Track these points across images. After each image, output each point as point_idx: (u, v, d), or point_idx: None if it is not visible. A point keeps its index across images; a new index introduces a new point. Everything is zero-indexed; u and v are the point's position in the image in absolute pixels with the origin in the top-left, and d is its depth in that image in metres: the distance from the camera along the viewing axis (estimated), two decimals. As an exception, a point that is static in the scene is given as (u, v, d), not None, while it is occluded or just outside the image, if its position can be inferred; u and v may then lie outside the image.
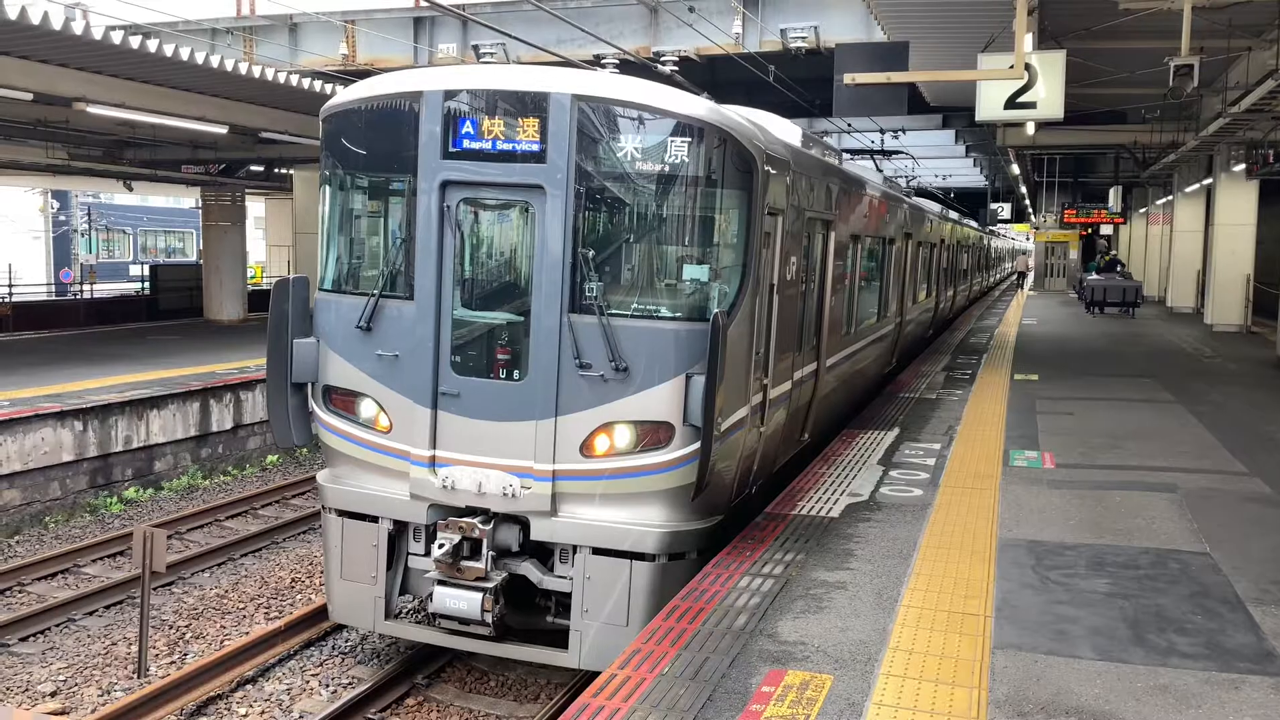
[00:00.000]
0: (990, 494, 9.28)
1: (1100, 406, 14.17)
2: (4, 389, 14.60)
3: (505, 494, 7.42)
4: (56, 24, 11.95)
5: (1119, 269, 35.82)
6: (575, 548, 7.41)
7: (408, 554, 7.98)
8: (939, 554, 7.55)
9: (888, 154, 23.47)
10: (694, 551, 7.49)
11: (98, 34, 12.61)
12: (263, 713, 8.19)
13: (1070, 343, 23.35)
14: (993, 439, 11.73)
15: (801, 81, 21.38)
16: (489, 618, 7.38)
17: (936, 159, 43.35)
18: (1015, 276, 61.20)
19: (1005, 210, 56.11)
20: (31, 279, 41.48)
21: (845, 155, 16.36)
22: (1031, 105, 13.56)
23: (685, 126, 7.17)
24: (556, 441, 7.30)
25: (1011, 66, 12.44)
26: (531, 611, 7.82)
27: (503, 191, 7.48)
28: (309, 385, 8.09)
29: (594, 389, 7.21)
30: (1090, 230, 49.03)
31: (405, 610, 9.33)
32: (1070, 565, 7.37)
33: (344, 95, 7.98)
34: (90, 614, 10.26)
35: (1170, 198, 35.50)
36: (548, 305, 7.25)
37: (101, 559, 11.88)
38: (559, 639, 7.58)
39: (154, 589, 10.25)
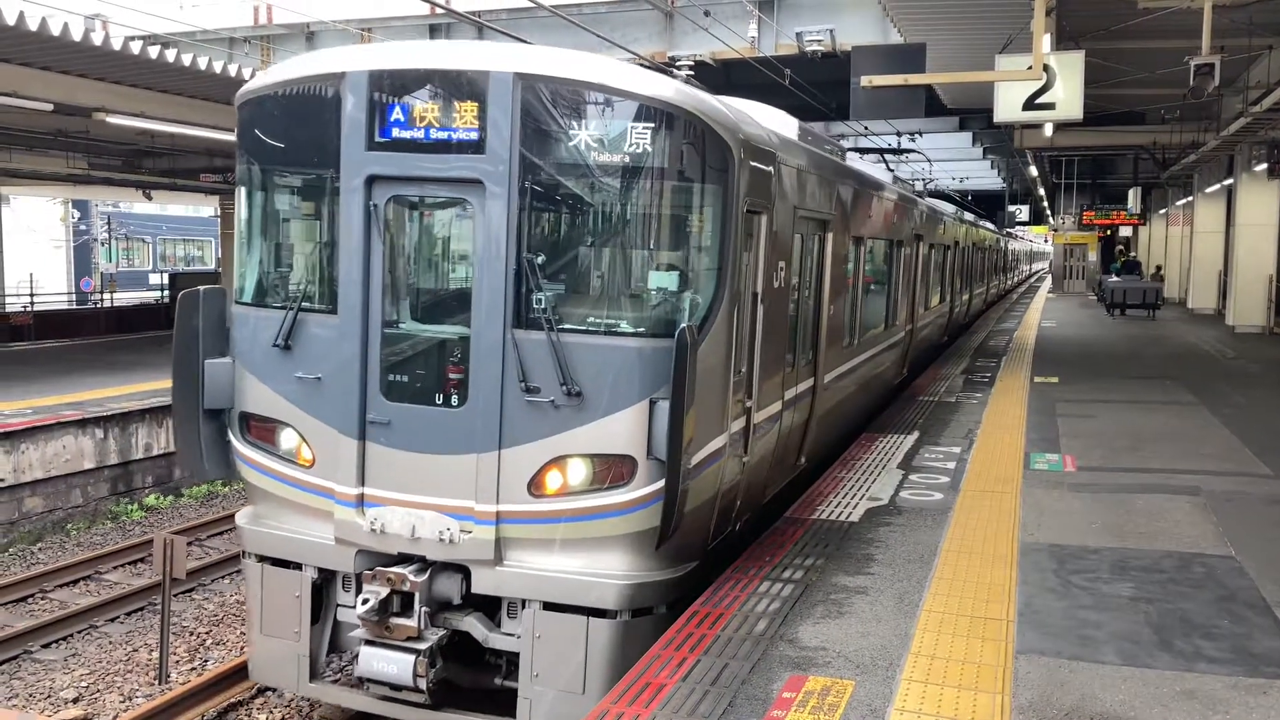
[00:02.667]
0: (1011, 498, 9.21)
1: (1121, 409, 14.06)
2: (26, 397, 14.71)
3: (442, 539, 6.45)
4: (76, 35, 12.04)
5: (1139, 271, 35.62)
6: (524, 601, 6.46)
7: (336, 606, 7.03)
8: (960, 558, 7.50)
9: (899, 153, 22.93)
10: (662, 605, 6.58)
11: (117, 44, 12.71)
12: (283, 719, 8.20)
13: (1090, 345, 23.20)
14: (1013, 442, 11.65)
15: (818, 85, 21.36)
16: (423, 683, 6.41)
17: (954, 161, 43.24)
18: (1047, 277, 61.35)
19: (1023, 212, 55.88)
20: (52, 288, 41.83)
21: (856, 155, 16.21)
22: (1050, 106, 13.50)
23: (648, 109, 6.23)
24: (500, 478, 6.35)
25: (1030, 67, 12.38)
26: (483, 669, 6.88)
27: (437, 187, 6.56)
28: (227, 412, 7.14)
29: (543, 417, 6.26)
30: (1109, 232, 48.82)
31: (335, 668, 8.09)
32: (1093, 569, 7.31)
33: (261, 78, 7.06)
34: (112, 620, 10.31)
35: (1190, 198, 35.26)
36: (489, 319, 6.33)
37: (123, 566, 11.93)
38: (511, 703, 6.61)
39: (175, 595, 10.30)
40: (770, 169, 7.49)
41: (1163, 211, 44.83)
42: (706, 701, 5.20)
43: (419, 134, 6.41)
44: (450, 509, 6.46)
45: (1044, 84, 13.12)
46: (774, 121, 8.97)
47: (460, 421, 6.43)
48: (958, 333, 25.33)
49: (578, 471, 6.31)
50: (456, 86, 6.35)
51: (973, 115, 28.49)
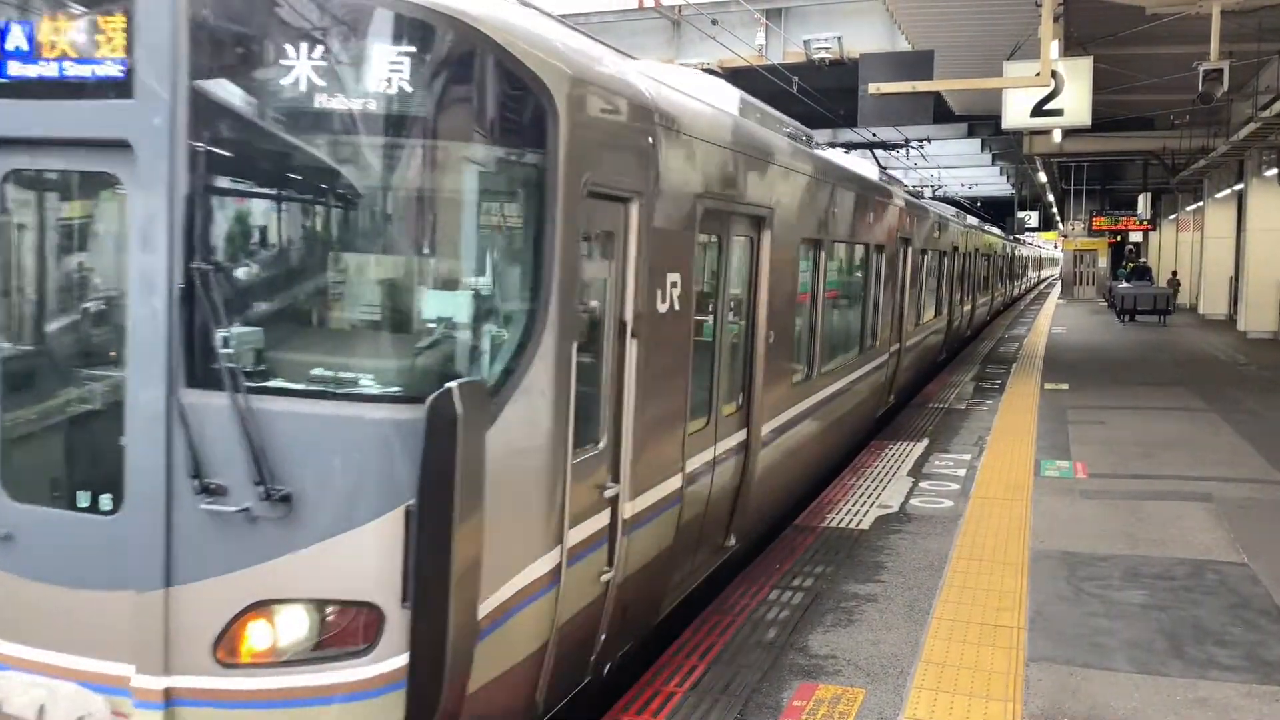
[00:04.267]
0: (1022, 504, 9.18)
1: (1132, 415, 14.01)
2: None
3: None
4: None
5: (1149, 276, 35.58)
6: None
7: None
8: (971, 565, 7.47)
9: (889, 147, 21.02)
10: None
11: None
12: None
13: (1101, 351, 23.14)
14: (1023, 449, 11.62)
15: (826, 92, 21.38)
16: None
17: (962, 168, 43.23)
18: (1057, 283, 61.36)
19: (1033, 218, 55.89)
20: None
21: (841, 150, 15.79)
22: (1058, 112, 13.52)
23: (408, 24, 3.86)
24: (170, 633, 3.92)
25: (1038, 74, 12.38)
26: None
27: (73, 156, 4.14)
28: None
29: (235, 535, 3.86)
30: (1119, 238, 48.77)
31: None
32: (1105, 576, 7.28)
33: None
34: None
35: (1200, 204, 35.20)
36: (145, 373, 3.93)
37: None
38: None
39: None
40: (645, 134, 5.24)
41: (1173, 217, 44.76)
42: (716, 710, 5.18)
43: (50, 70, 4.01)
44: (96, 678, 3.99)
45: (1052, 90, 13.14)
46: (704, 89, 7.01)
47: (112, 537, 4.00)
48: (959, 347, 23.65)
49: (294, 626, 3.90)
50: None
51: (981, 121, 28.46)
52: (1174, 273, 40.62)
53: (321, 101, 3.85)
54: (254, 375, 3.90)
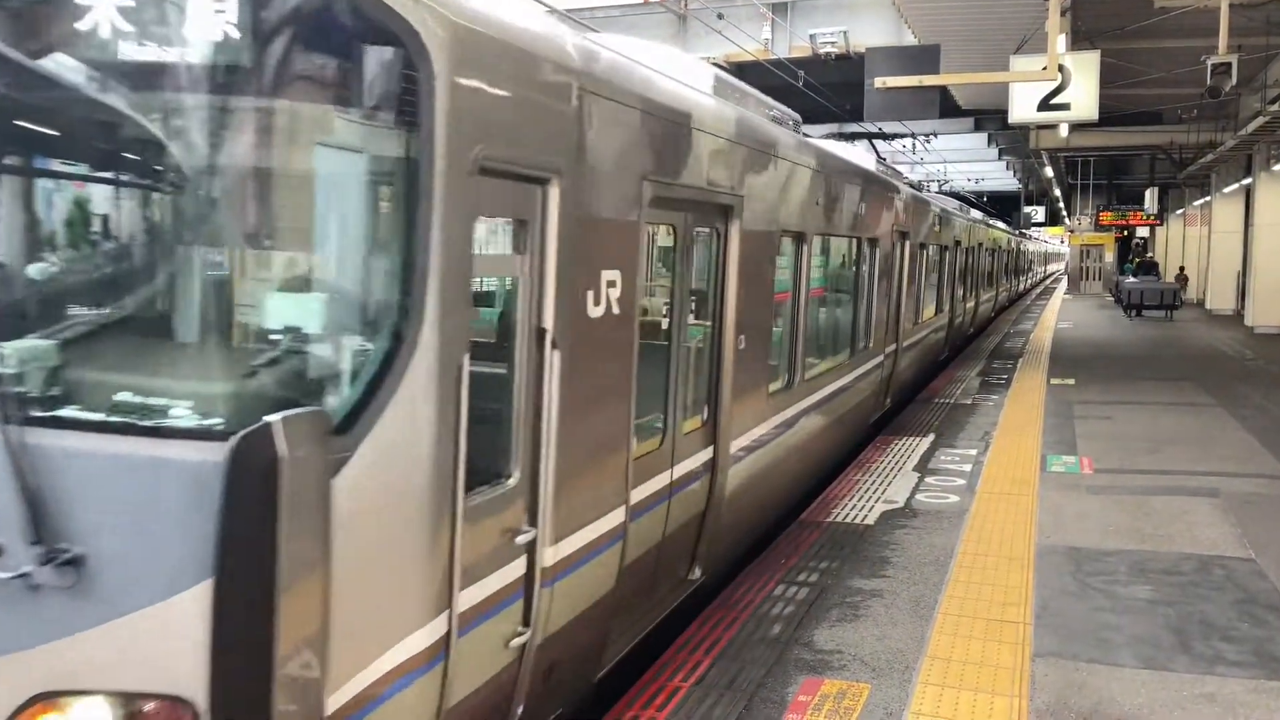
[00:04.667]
0: (1028, 500, 9.16)
1: (1139, 410, 13.98)
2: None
3: None
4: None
5: (1156, 271, 35.52)
6: None
7: None
8: (977, 561, 7.46)
9: (888, 137, 20.84)
10: None
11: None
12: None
13: (1107, 346, 23.09)
14: (1030, 444, 11.60)
15: (832, 86, 21.37)
16: None
17: (969, 162, 43.17)
18: (1064, 278, 61.30)
19: (1039, 213, 55.82)
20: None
21: (849, 141, 15.63)
22: (1065, 107, 13.49)
23: None
24: None
25: (1044, 68, 12.36)
26: None
27: None
28: None
29: (13, 607, 3.06)
30: (1126, 233, 48.67)
31: None
32: (1111, 571, 7.26)
33: None
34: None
35: (1208, 198, 35.10)
36: None
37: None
38: None
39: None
40: (567, 103, 4.29)
41: (1180, 212, 44.64)
42: (721, 705, 5.18)
43: None
44: None
45: (1059, 84, 13.11)
46: (676, 66, 6.28)
47: None
48: (963, 344, 22.83)
49: None
50: None
51: (988, 116, 28.45)
52: (1181, 268, 40.54)
53: (127, 52, 3.06)
54: (35, 402, 3.08)
